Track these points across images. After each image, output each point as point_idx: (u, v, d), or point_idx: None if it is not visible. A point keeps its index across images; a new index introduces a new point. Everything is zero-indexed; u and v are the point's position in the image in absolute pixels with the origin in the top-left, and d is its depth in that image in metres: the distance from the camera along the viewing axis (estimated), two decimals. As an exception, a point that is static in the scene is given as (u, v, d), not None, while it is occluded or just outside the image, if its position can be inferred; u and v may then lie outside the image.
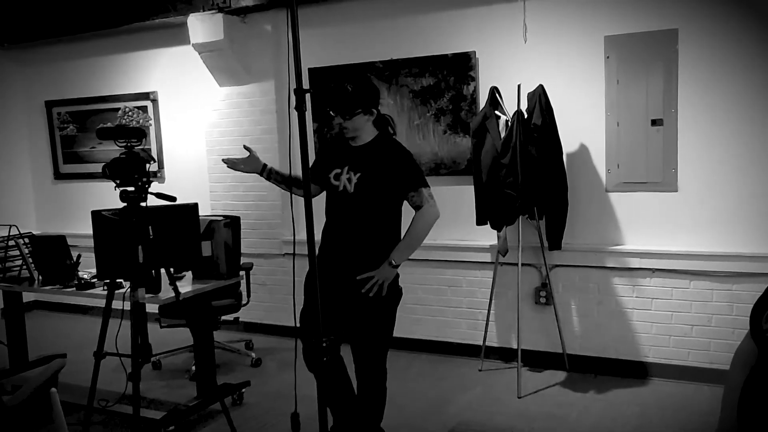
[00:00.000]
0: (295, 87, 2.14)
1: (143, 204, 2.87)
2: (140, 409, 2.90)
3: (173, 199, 2.97)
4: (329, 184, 3.09)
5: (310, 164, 2.57)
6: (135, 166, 2.80)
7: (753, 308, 1.46)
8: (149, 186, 2.86)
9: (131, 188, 2.83)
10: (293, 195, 2.98)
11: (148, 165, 2.84)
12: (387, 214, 3.08)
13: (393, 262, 3.00)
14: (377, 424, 3.28)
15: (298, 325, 3.07)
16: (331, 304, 3.01)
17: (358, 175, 3.00)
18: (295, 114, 2.21)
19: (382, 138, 3.10)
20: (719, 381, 4.08)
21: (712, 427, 3.55)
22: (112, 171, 2.76)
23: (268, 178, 3.27)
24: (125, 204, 2.83)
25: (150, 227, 2.83)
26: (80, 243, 4.74)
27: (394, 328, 3.19)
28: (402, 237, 3.09)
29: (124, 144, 2.81)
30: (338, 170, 3.06)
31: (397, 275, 3.11)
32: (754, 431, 1.38)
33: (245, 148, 3.24)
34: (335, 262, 3.06)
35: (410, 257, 3.11)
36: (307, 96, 2.25)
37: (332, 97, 3.01)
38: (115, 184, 2.81)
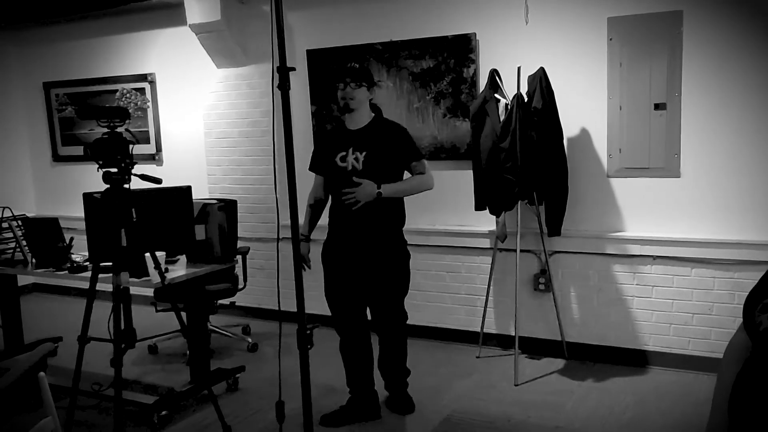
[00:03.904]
0: (278, 65, 2.07)
1: (126, 186, 2.82)
2: (122, 392, 2.87)
3: (158, 181, 2.91)
4: (336, 167, 3.40)
5: (296, 147, 2.61)
6: (118, 147, 2.74)
7: (746, 300, 1.39)
8: (132, 167, 2.81)
9: (114, 169, 2.78)
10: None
11: (131, 146, 2.78)
12: None
13: (379, 187, 3.30)
14: (404, 364, 3.71)
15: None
16: (352, 277, 3.46)
17: (364, 153, 3.34)
18: (278, 93, 2.14)
19: (379, 119, 3.48)
20: (719, 370, 4.03)
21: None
22: (94, 151, 2.71)
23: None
24: (108, 186, 2.78)
25: (133, 210, 2.78)
26: (79, 226, 4.70)
27: (410, 278, 3.60)
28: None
29: (107, 124, 2.74)
30: (343, 153, 3.39)
31: (404, 241, 3.53)
32: (746, 428, 1.32)
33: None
34: (351, 237, 3.41)
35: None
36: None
37: (346, 69, 3.43)
38: (97, 165, 2.75)
